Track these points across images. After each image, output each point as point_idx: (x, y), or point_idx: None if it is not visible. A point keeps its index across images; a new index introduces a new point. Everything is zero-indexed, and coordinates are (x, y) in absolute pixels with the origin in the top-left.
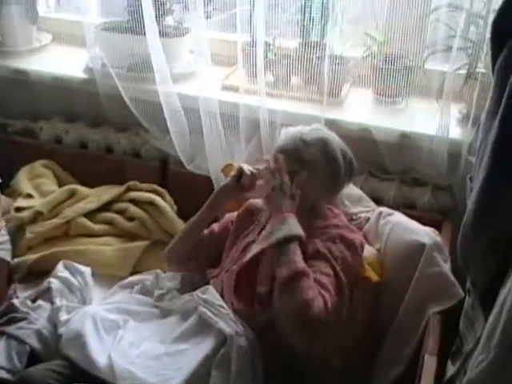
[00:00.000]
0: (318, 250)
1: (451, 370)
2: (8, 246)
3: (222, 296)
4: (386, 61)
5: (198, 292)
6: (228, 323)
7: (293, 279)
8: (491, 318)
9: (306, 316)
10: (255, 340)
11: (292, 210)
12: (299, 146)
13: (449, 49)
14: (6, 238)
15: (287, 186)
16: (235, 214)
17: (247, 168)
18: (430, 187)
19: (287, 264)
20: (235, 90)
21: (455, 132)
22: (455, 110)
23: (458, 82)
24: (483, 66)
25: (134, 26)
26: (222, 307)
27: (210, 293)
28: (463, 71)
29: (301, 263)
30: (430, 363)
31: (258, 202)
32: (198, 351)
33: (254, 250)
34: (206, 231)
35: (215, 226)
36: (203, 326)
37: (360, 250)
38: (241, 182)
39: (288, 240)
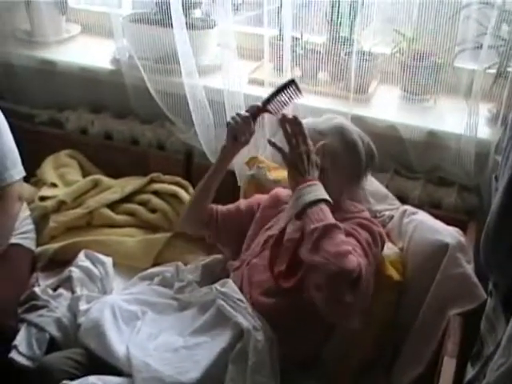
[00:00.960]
0: (344, 228)
1: (471, 372)
2: (33, 234)
3: (241, 289)
4: (414, 58)
5: (216, 285)
6: (246, 317)
7: (325, 232)
8: None
9: (341, 268)
10: (273, 335)
11: (318, 179)
12: (316, 138)
13: (479, 46)
14: (31, 227)
15: (313, 153)
16: (264, 196)
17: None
18: (456, 187)
19: (318, 219)
20: (261, 83)
21: (484, 131)
22: (484, 109)
23: (488, 81)
24: None
25: (162, 17)
26: (241, 301)
27: (229, 286)
28: (493, 70)
29: (332, 219)
30: (449, 365)
31: (283, 191)
32: (215, 344)
33: (283, 219)
34: (232, 206)
35: (242, 204)
36: (221, 320)
37: (380, 243)
38: (237, 140)
39: (316, 203)
